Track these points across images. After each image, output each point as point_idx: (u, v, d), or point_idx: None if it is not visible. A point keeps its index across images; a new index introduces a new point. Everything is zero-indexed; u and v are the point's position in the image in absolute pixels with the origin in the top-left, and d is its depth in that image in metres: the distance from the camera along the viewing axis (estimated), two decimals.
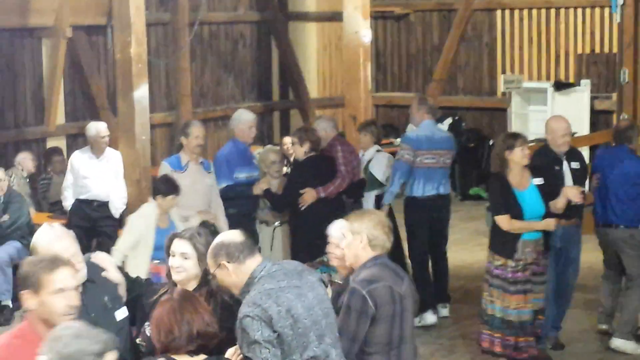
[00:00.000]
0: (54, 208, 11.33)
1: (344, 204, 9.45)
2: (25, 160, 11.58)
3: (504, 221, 7.62)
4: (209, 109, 15.18)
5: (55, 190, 11.43)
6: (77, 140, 12.74)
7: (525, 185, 7.69)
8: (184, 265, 5.20)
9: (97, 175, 10.53)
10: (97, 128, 10.70)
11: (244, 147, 9.75)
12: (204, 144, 9.34)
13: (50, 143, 12.95)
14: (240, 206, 9.43)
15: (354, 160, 9.74)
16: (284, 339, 4.62)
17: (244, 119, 9.76)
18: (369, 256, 5.30)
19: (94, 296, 4.87)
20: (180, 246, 5.20)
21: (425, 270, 9.69)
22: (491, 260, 7.74)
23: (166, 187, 8.36)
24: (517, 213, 7.60)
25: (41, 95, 12.96)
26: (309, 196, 9.24)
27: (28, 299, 4.29)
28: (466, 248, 12.20)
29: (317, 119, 10.42)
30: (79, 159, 10.69)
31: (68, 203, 10.67)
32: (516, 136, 7.86)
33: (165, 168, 9.18)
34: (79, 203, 10.56)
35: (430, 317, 9.40)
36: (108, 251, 10.49)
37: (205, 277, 5.13)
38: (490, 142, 15.50)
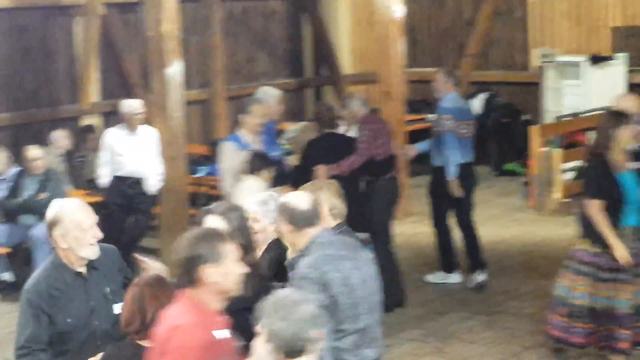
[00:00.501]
0: (90, 185, 11.39)
1: (358, 182, 9.39)
2: (61, 138, 11.64)
3: (595, 208, 7.13)
4: (242, 85, 15.18)
5: (90, 168, 11.48)
6: (112, 118, 12.78)
7: (626, 168, 7.19)
8: None
9: (131, 152, 10.56)
10: (132, 105, 10.73)
11: (271, 125, 9.67)
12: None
13: (85, 121, 13.01)
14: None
15: (383, 138, 9.66)
16: (337, 306, 4.71)
17: (273, 95, 9.66)
18: (331, 226, 5.24)
19: (97, 284, 5.07)
20: (213, 222, 5.15)
21: (450, 235, 9.96)
22: (584, 248, 7.31)
23: (265, 162, 8.52)
24: (616, 197, 7.13)
25: (75, 73, 13.01)
26: (321, 172, 9.21)
27: (210, 274, 4.19)
28: (501, 223, 12.15)
29: (347, 96, 10.38)
30: (114, 137, 10.73)
31: (103, 180, 10.72)
32: (623, 114, 7.32)
33: (229, 148, 9.04)
34: (115, 180, 10.60)
35: (454, 277, 9.90)
36: (143, 227, 10.61)
37: (246, 252, 5.01)
38: (524, 117, 15.41)
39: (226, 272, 4.21)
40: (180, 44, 10.00)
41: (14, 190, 10.29)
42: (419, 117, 14.80)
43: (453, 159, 9.59)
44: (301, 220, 4.95)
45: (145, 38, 10.43)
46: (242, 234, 5.07)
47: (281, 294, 3.82)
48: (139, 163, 10.51)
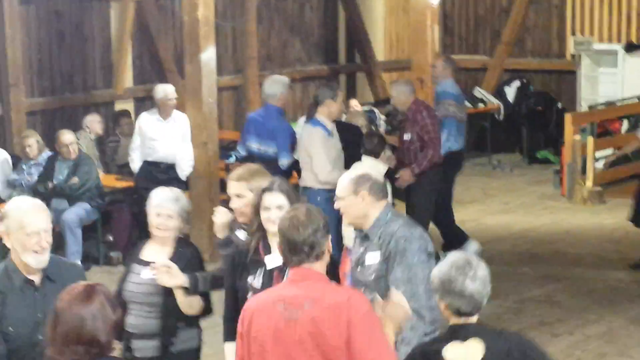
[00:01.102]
0: (122, 170, 11.46)
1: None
2: (93, 123, 11.71)
3: None
4: (276, 71, 15.18)
5: (122, 153, 11.55)
6: (145, 103, 12.83)
7: None
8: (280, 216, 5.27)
9: (164, 137, 10.61)
10: (165, 90, 10.77)
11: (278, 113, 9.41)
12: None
13: (119, 106, 13.07)
14: None
15: (437, 124, 9.61)
16: None
17: (286, 84, 9.46)
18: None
19: (50, 298, 4.42)
20: (274, 199, 5.20)
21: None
22: None
23: (383, 143, 8.65)
24: None
25: (109, 58, 13.08)
26: (406, 176, 9.17)
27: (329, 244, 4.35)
28: (533, 211, 12.12)
29: (394, 82, 10.32)
30: (147, 122, 10.78)
31: (135, 165, 10.78)
32: None
33: (321, 134, 8.79)
34: (146, 165, 10.66)
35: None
36: None
37: None
38: (559, 105, 15.34)
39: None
40: (214, 30, 10.03)
41: (46, 175, 10.37)
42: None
43: (448, 144, 9.65)
44: (380, 191, 5.17)
45: (179, 23, 10.48)
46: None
47: (453, 259, 4.13)
48: (171, 148, 10.55)
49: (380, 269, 5.09)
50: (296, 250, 4.21)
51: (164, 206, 5.57)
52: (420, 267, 5.03)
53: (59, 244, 10.08)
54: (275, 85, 9.32)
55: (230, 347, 5.10)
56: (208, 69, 9.92)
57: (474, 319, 4.12)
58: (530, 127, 15.20)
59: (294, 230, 4.23)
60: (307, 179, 8.75)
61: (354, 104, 13.57)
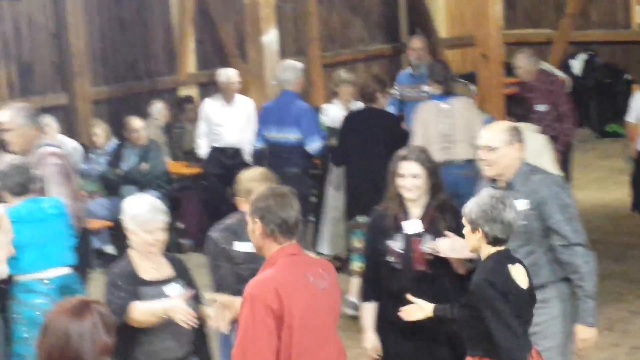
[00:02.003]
0: (188, 156, 11.47)
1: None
2: (161, 110, 11.71)
3: None
4: (338, 52, 15.10)
5: (188, 139, 11.56)
6: (208, 88, 12.82)
7: None
8: (416, 184, 5.48)
9: (229, 122, 10.58)
10: (227, 74, 10.74)
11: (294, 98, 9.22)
12: None
13: (182, 92, 13.09)
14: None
15: None
16: None
17: (300, 68, 9.31)
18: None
19: None
20: (409, 167, 5.47)
21: None
22: None
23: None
24: None
25: (171, 44, 13.09)
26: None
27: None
28: (604, 187, 11.92)
29: (520, 53, 10.16)
30: (211, 107, 10.76)
31: (202, 151, 10.77)
32: None
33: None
34: (213, 151, 10.64)
35: None
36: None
37: (436, 190, 5.53)
38: (627, 77, 15.06)
39: None
40: (275, 12, 9.97)
41: (114, 162, 10.40)
42: (515, 80, 14.54)
43: None
44: (524, 144, 5.53)
45: (240, 6, 10.42)
46: (434, 175, 5.51)
47: (489, 193, 4.85)
48: (237, 133, 10.52)
49: (529, 214, 5.34)
50: (291, 228, 4.46)
51: (156, 220, 5.16)
52: (573, 206, 5.46)
53: None
54: (289, 71, 9.18)
55: (368, 307, 5.59)
56: (270, 51, 9.85)
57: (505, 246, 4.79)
58: (598, 101, 14.95)
59: (287, 209, 4.45)
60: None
61: None
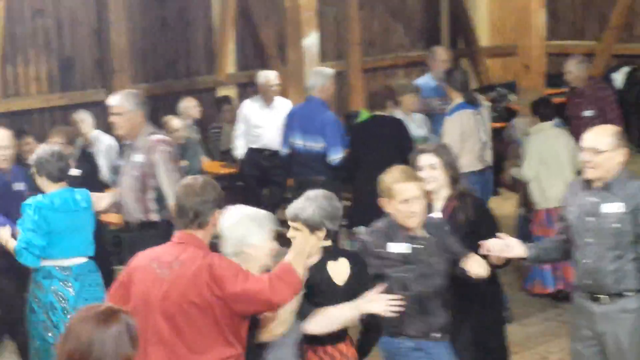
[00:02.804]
0: (225, 156, 11.46)
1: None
2: (190, 108, 11.67)
3: None
4: (378, 57, 15.05)
5: (225, 139, 11.55)
6: (247, 89, 12.82)
7: None
8: (433, 175, 5.70)
9: (267, 124, 10.56)
10: (267, 76, 10.73)
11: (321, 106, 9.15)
12: None
13: (221, 92, 13.09)
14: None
15: None
16: None
17: (329, 75, 9.19)
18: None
19: None
20: (427, 159, 5.73)
21: None
22: None
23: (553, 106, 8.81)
24: None
25: (212, 44, 13.10)
26: None
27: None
28: None
29: (569, 58, 10.07)
30: (250, 108, 10.75)
31: (239, 152, 10.76)
32: None
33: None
34: (251, 152, 10.64)
35: None
36: (278, 199, 10.62)
37: (454, 182, 5.75)
38: None
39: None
40: (316, 15, 9.95)
41: None
42: (558, 90, 14.43)
43: None
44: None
45: (282, 9, 10.42)
46: (451, 168, 5.73)
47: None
48: (275, 135, 10.49)
49: (624, 218, 5.37)
50: (182, 215, 4.63)
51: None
52: None
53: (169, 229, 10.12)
54: (317, 77, 9.12)
55: None
56: (310, 54, 9.84)
57: None
58: (639, 115, 14.80)
59: (185, 197, 4.63)
60: None
61: None
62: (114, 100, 7.21)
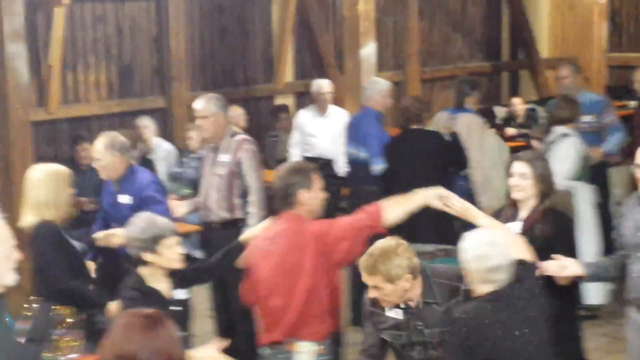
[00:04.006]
0: (280, 165, 11.44)
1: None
2: (236, 117, 11.67)
3: None
4: (436, 68, 14.98)
5: (281, 148, 11.55)
6: (305, 98, 12.82)
7: None
8: (522, 185, 5.75)
9: (322, 133, 10.55)
10: (319, 85, 10.73)
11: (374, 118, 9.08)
12: None
13: (278, 101, 13.11)
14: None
15: None
16: None
17: (385, 86, 9.12)
18: None
19: None
20: (519, 167, 5.78)
21: None
22: None
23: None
24: None
25: (270, 53, 13.13)
26: None
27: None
28: None
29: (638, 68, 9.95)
30: (305, 117, 10.75)
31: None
32: None
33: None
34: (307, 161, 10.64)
35: None
36: (332, 209, 10.59)
37: (544, 196, 5.75)
38: None
39: (313, 197, 5.46)
40: (375, 25, 9.93)
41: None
42: (619, 103, 14.25)
43: None
44: None
45: (340, 18, 10.42)
46: (544, 181, 5.74)
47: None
48: (329, 145, 10.48)
49: None
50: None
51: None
52: None
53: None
54: (372, 87, 9.07)
55: None
56: (368, 64, 9.84)
57: None
58: None
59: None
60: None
61: (517, 102, 13.28)
62: (198, 104, 7.46)
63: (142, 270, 5.32)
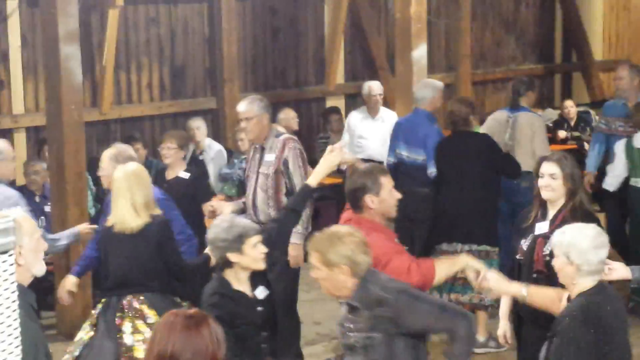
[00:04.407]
0: None
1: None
2: (288, 119, 11.70)
3: None
4: (488, 70, 14.91)
5: None
6: (356, 99, 12.82)
7: None
8: (552, 185, 5.75)
9: (371, 134, 10.55)
10: (370, 86, 10.73)
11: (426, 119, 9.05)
12: None
13: (330, 102, 13.12)
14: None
15: None
16: None
17: (438, 88, 9.10)
18: None
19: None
20: (548, 168, 5.78)
21: None
22: None
23: None
24: None
25: (322, 54, 13.14)
26: None
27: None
28: None
29: None
30: (355, 119, 10.75)
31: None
32: None
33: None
34: None
35: None
36: None
37: (572, 195, 5.75)
38: None
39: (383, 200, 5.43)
40: (426, 27, 9.89)
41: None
42: None
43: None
44: None
45: (392, 20, 10.39)
46: (571, 179, 5.75)
47: None
48: (379, 146, 10.47)
49: None
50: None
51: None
52: None
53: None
54: (426, 89, 9.02)
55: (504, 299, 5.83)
56: (419, 66, 9.77)
57: None
58: None
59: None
60: (526, 163, 8.56)
61: (569, 104, 13.18)
62: (242, 107, 7.55)
63: (226, 273, 5.28)
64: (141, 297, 6.38)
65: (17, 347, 3.47)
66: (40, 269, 4.23)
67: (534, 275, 5.59)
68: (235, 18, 12.10)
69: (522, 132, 8.95)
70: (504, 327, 5.87)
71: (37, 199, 9.59)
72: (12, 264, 3.43)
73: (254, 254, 5.26)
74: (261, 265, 5.31)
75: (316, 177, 6.01)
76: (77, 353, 6.39)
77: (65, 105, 8.38)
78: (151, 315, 6.43)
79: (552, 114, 13.66)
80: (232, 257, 5.20)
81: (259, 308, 5.27)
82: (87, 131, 9.79)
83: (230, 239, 5.21)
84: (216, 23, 12.02)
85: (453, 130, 8.54)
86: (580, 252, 4.73)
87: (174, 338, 3.39)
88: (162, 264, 6.37)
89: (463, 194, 8.18)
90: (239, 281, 5.28)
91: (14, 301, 3.42)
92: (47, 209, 9.23)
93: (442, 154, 8.56)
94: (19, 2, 10.58)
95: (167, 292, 6.46)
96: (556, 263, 4.81)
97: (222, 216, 5.58)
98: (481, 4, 14.72)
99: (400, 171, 8.98)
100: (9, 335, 3.42)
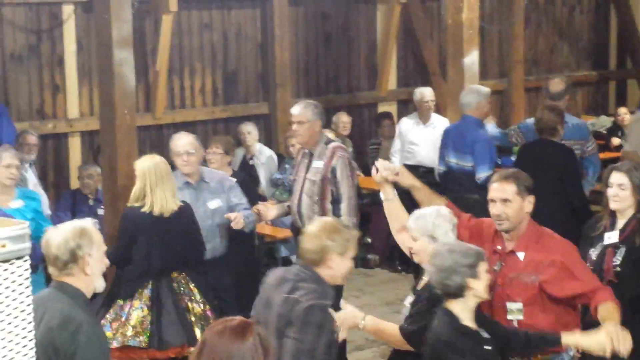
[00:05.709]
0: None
1: None
2: (342, 123, 11.71)
3: None
4: (541, 76, 14.81)
5: (383, 155, 11.53)
6: (408, 105, 12.81)
7: None
8: (620, 195, 5.78)
9: (422, 141, 10.54)
10: (422, 92, 10.73)
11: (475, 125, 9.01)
12: None
13: (381, 108, 13.12)
14: None
15: None
16: None
17: (483, 93, 9.03)
18: None
19: None
20: (617, 178, 5.81)
21: None
22: None
23: None
24: None
25: (374, 60, 13.15)
26: None
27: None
28: None
29: None
30: (406, 125, 10.76)
31: None
32: None
33: None
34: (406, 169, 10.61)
35: None
36: None
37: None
38: None
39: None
40: (479, 33, 9.86)
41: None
42: None
43: None
44: None
45: (444, 26, 10.37)
46: None
47: None
48: (430, 152, 10.45)
49: None
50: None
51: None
52: None
53: None
54: (471, 94, 8.99)
55: None
56: (471, 72, 9.74)
57: None
58: None
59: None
60: None
61: (623, 111, 13.06)
62: (295, 110, 7.60)
63: (452, 306, 4.69)
64: (185, 276, 7.02)
65: (31, 349, 3.51)
66: (100, 284, 4.31)
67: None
68: (287, 24, 12.15)
69: None
70: None
71: (90, 202, 9.71)
72: (26, 269, 3.48)
73: (486, 280, 4.71)
74: (487, 296, 4.80)
75: None
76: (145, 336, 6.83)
77: (118, 109, 8.46)
78: (195, 292, 7.00)
79: (605, 121, 13.54)
80: (471, 283, 4.63)
81: (487, 347, 4.66)
82: (140, 136, 9.89)
83: (470, 264, 4.65)
84: (269, 28, 12.08)
85: (539, 138, 8.48)
86: None
87: (221, 346, 3.41)
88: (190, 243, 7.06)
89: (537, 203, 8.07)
90: (465, 314, 4.69)
91: (28, 305, 3.47)
92: (101, 212, 9.34)
93: (521, 159, 8.50)
94: (75, 7, 10.71)
95: (200, 272, 7.12)
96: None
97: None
98: (535, 10, 14.63)
99: (449, 178, 8.96)
100: (24, 337, 3.47)
